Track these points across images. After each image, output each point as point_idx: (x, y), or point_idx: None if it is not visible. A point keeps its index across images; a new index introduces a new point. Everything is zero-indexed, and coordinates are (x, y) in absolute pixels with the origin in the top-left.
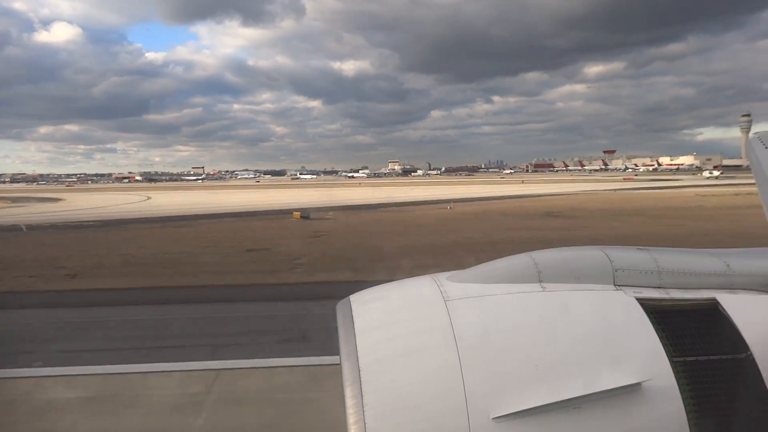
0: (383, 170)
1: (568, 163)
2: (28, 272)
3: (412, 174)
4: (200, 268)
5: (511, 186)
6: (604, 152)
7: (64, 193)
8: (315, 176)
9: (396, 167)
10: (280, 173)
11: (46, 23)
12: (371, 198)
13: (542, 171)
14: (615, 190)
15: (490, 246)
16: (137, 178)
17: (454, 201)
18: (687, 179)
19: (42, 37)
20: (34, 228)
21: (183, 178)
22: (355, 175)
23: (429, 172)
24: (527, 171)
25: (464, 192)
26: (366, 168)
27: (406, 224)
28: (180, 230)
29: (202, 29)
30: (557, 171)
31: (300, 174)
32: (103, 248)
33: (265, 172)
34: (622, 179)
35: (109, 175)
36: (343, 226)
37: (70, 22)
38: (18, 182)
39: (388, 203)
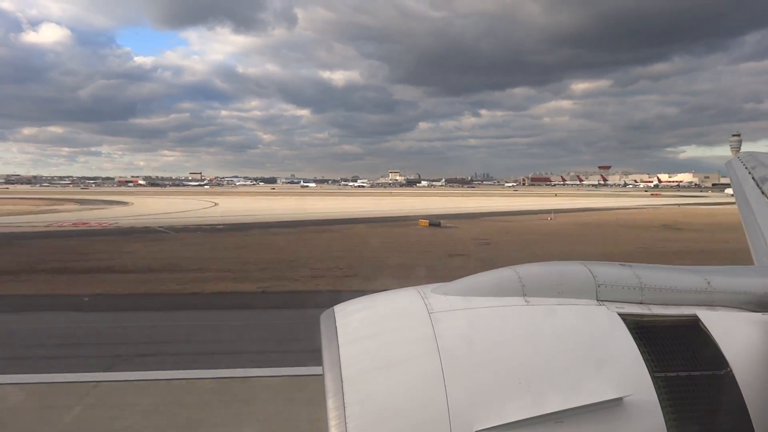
0: (384, 180)
1: (565, 177)
2: (308, 272)
3: (418, 185)
4: (442, 272)
5: (550, 199)
6: (600, 167)
7: (107, 195)
8: (315, 185)
9: (398, 177)
10: (271, 180)
11: (34, 24)
12: (442, 208)
13: (539, 185)
14: (678, 205)
15: (691, 255)
16: (140, 182)
17: (521, 213)
18: (714, 196)
19: (29, 37)
20: (175, 231)
21: (184, 183)
22: (363, 184)
23: (434, 183)
24: (524, 184)
25: (517, 204)
26: (358, 177)
27: (543, 233)
28: (330, 234)
29: (193, 35)
30: (555, 185)
31: (305, 182)
32: (299, 250)
33: (257, 180)
34: (650, 195)
35: (112, 178)
36: (484, 234)
37: (58, 23)
38: (13, 183)
39: (477, 213)
